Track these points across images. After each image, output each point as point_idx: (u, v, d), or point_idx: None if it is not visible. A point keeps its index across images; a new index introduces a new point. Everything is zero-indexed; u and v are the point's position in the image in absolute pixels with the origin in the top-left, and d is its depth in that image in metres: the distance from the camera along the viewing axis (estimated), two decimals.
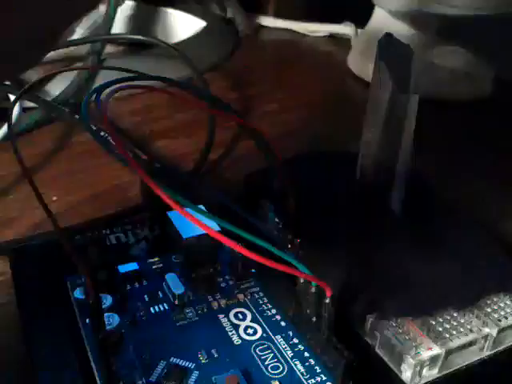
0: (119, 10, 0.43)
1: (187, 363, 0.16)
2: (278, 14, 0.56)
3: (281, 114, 0.37)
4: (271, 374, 0.16)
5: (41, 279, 0.19)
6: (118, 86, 0.16)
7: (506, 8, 0.39)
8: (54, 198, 0.26)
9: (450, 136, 0.35)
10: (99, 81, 0.36)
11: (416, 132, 0.22)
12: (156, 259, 0.20)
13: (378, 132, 0.22)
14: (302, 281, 0.17)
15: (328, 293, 0.15)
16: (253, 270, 0.20)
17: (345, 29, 0.51)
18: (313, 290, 0.16)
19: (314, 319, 0.16)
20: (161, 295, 0.19)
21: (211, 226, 0.18)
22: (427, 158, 0.31)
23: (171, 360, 0.16)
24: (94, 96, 0.15)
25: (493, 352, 0.18)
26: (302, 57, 0.49)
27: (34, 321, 0.18)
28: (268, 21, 0.55)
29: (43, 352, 0.17)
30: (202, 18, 0.50)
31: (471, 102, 0.39)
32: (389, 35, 0.22)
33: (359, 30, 0.49)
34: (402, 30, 0.44)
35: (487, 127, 0.36)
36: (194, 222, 0.14)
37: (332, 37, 0.52)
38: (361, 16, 0.49)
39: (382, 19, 0.45)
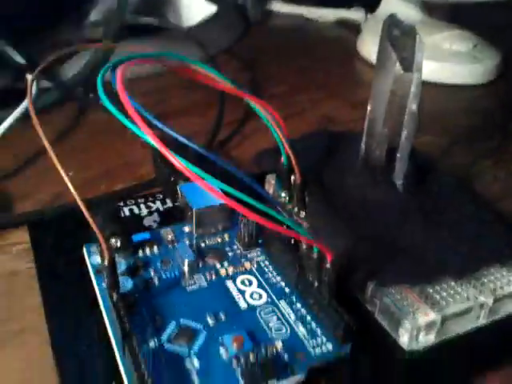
0: None
1: (196, 324, 0.17)
2: (289, 0, 0.56)
3: (290, 95, 0.38)
4: (275, 334, 0.17)
5: (59, 248, 0.21)
6: (132, 58, 0.17)
7: None
8: (70, 174, 0.27)
9: (456, 118, 0.36)
10: None
11: (421, 114, 0.22)
12: (168, 229, 0.21)
13: (382, 109, 0.22)
14: (304, 246, 0.18)
15: (329, 258, 0.16)
16: (259, 240, 0.21)
17: (354, 14, 0.52)
18: (314, 255, 0.17)
19: (316, 284, 0.17)
20: (172, 262, 0.19)
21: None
22: (432, 139, 0.32)
23: (181, 321, 0.17)
24: (109, 70, 0.16)
25: (489, 321, 0.19)
26: (311, 41, 0.50)
27: (52, 288, 0.19)
28: (278, 6, 0.55)
29: (61, 316, 0.18)
30: (214, 2, 0.50)
31: (478, 85, 0.39)
32: (393, 15, 0.22)
33: (369, 15, 0.50)
34: (410, 14, 0.44)
35: (492, 109, 0.37)
36: (209, 191, 0.15)
37: (342, 22, 0.53)
38: (371, 1, 0.49)
39: (391, 4, 0.46)
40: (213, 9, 0.49)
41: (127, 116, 0.15)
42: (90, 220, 0.15)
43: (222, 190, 0.15)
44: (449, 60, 0.39)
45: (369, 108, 0.23)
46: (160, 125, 0.18)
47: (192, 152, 0.19)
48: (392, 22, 0.22)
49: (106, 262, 0.16)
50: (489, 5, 0.42)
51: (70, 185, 0.15)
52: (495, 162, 0.30)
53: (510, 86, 0.40)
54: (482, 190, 0.27)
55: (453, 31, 0.41)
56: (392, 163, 0.23)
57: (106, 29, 0.38)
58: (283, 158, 0.22)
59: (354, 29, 0.49)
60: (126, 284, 0.18)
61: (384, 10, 0.47)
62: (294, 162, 0.21)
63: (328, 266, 0.16)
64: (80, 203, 0.15)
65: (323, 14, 0.54)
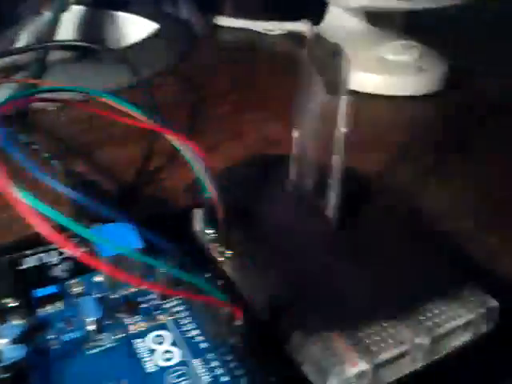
0: (67, 15, 0.42)
1: None
2: (235, 14, 0.55)
3: (232, 115, 0.36)
4: None
5: None
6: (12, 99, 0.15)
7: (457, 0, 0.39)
8: None
9: (400, 132, 0.34)
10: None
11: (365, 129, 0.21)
12: (76, 280, 0.19)
13: (310, 135, 0.21)
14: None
15: (238, 315, 0.14)
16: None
17: (301, 26, 0.51)
18: (225, 313, 0.15)
19: (232, 341, 0.15)
20: (76, 320, 0.17)
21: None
22: (376, 155, 0.31)
23: None
24: None
25: (427, 362, 0.17)
26: (259, 56, 0.48)
27: None
28: (225, 20, 0.54)
29: None
30: (155, 19, 0.48)
31: (424, 96, 0.38)
32: (316, 35, 0.21)
33: (314, 28, 0.49)
34: (355, 25, 0.44)
35: (437, 121, 0.36)
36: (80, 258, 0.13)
37: (290, 34, 0.52)
38: (316, 13, 0.48)
39: (336, 16, 0.45)
40: (155, 26, 0.48)
41: None
42: None
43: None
44: (393, 72, 0.38)
45: (296, 134, 0.21)
46: (54, 184, 0.16)
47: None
48: (316, 41, 0.21)
49: None
50: (436, 12, 0.41)
51: None
52: (439, 178, 0.29)
53: (456, 96, 0.39)
54: (426, 208, 0.26)
55: (397, 42, 0.40)
56: (325, 191, 0.21)
57: (36, 53, 0.36)
58: (205, 194, 0.20)
59: (302, 41, 0.48)
60: (15, 353, 0.16)
61: (328, 21, 0.46)
62: (215, 199, 0.20)
63: (238, 324, 0.14)
64: None
65: (271, 28, 0.53)
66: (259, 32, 0.52)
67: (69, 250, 0.13)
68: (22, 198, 0.12)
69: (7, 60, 0.38)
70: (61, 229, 0.14)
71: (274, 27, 0.52)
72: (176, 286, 0.15)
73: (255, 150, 0.31)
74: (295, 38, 0.50)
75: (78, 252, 0.13)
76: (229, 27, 0.54)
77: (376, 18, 0.45)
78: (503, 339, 0.18)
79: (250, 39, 0.52)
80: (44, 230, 0.12)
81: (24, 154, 0.15)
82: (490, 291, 0.19)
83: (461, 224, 0.25)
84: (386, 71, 0.39)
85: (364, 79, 0.39)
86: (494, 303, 0.18)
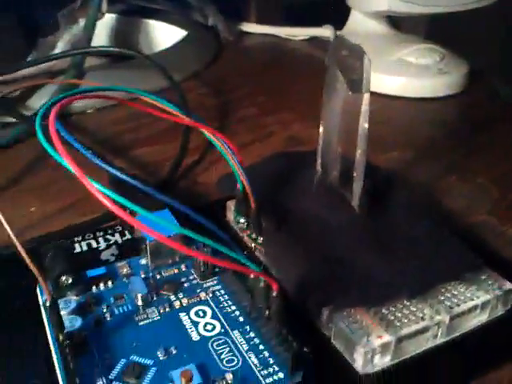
0: (101, 23, 0.44)
1: (146, 360, 0.17)
2: (260, 20, 0.57)
3: (259, 117, 0.38)
4: (226, 366, 0.17)
5: (15, 287, 0.20)
6: (67, 99, 0.17)
7: (476, 4, 0.40)
8: (32, 209, 0.27)
9: (422, 132, 0.36)
10: None
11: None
12: (123, 263, 0.21)
13: (334, 130, 0.22)
14: (252, 277, 0.17)
15: (275, 287, 0.16)
16: (216, 269, 0.20)
17: (324, 31, 0.52)
18: (261, 285, 0.17)
19: (267, 313, 0.17)
20: (126, 297, 0.19)
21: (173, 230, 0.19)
22: (398, 154, 0.32)
23: (131, 358, 0.17)
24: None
25: (447, 339, 0.19)
26: (283, 60, 0.50)
27: (6, 327, 0.19)
28: (250, 27, 0.56)
29: (14, 355, 0.17)
30: (184, 27, 0.51)
31: (445, 97, 0.40)
32: (340, 37, 0.22)
33: (338, 32, 0.50)
34: (377, 29, 0.45)
35: (457, 121, 0.37)
36: (142, 229, 0.15)
37: (313, 39, 0.53)
38: (339, 18, 0.50)
39: (358, 20, 0.46)
40: (183, 33, 0.50)
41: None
42: (27, 260, 0.15)
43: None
44: (415, 74, 0.40)
45: (321, 129, 0.23)
46: (101, 163, 0.18)
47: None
48: (339, 43, 0.22)
49: (47, 303, 0.16)
50: (458, 15, 0.42)
51: (6, 226, 0.15)
52: (460, 176, 0.30)
53: (476, 97, 0.40)
54: (449, 205, 0.27)
55: (418, 45, 0.41)
56: (349, 182, 0.23)
57: (72, 59, 0.39)
58: (239, 186, 0.22)
59: (325, 46, 0.50)
60: (75, 323, 0.18)
61: (351, 26, 0.47)
62: (247, 189, 0.21)
63: (274, 294, 0.16)
64: (17, 245, 0.15)
65: (294, 33, 0.54)
66: (283, 37, 0.54)
67: (135, 225, 0.15)
68: (95, 186, 0.14)
69: (46, 66, 0.40)
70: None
71: (298, 33, 0.54)
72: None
73: (282, 148, 0.33)
74: (318, 42, 0.52)
75: (144, 227, 0.14)
76: (254, 33, 0.56)
77: (398, 22, 0.47)
78: None
79: (275, 44, 0.53)
80: (116, 210, 0.14)
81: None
82: (507, 276, 0.20)
83: (480, 217, 0.26)
84: (407, 74, 0.40)
85: (386, 82, 0.40)
86: (510, 286, 0.20)
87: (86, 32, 0.41)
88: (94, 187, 0.14)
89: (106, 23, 0.48)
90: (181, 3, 0.54)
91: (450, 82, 0.40)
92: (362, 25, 0.46)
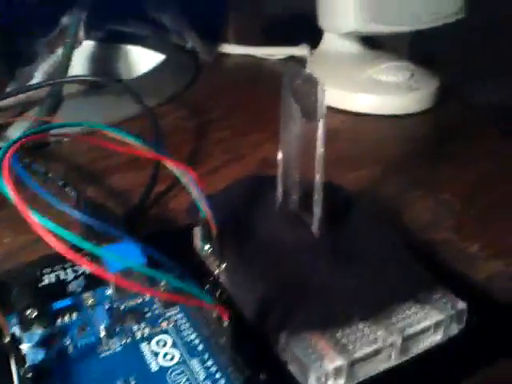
0: (79, 50, 0.45)
1: None
2: (238, 41, 0.58)
3: (233, 139, 0.39)
4: None
5: None
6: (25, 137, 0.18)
7: (442, 20, 0.41)
8: (5, 240, 0.28)
9: (391, 149, 0.37)
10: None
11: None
12: (89, 294, 0.21)
13: (292, 156, 0.23)
14: (206, 308, 0.18)
15: (225, 317, 0.17)
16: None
17: (300, 50, 0.53)
18: (214, 315, 0.17)
19: (222, 341, 0.18)
20: (89, 328, 0.20)
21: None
22: (366, 172, 0.33)
23: None
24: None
25: (400, 360, 0.19)
26: (261, 80, 0.51)
27: None
28: (228, 48, 0.57)
29: None
30: (162, 51, 0.52)
31: (416, 114, 0.41)
32: (292, 67, 0.23)
33: (313, 51, 0.51)
34: (349, 48, 0.46)
35: (426, 137, 0.38)
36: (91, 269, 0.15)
37: (290, 58, 0.54)
38: (314, 38, 0.51)
39: (331, 40, 0.47)
40: (161, 57, 0.51)
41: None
42: None
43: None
44: (385, 92, 0.41)
45: (279, 155, 0.24)
46: (66, 208, 0.18)
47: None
48: (293, 72, 0.23)
49: (6, 338, 0.16)
50: (428, 33, 0.43)
51: None
52: (425, 191, 0.31)
53: (447, 112, 0.41)
54: (412, 220, 0.28)
55: (389, 63, 0.42)
56: (309, 206, 0.23)
57: (50, 88, 0.39)
58: (201, 213, 0.23)
59: (302, 65, 0.51)
60: (38, 355, 0.18)
61: (325, 45, 0.48)
62: (208, 216, 0.22)
63: (225, 324, 0.17)
64: None
65: (272, 53, 0.55)
66: (261, 57, 0.55)
67: (84, 266, 0.15)
68: (39, 221, 0.15)
69: (24, 96, 0.41)
70: (73, 248, 0.16)
71: (275, 52, 0.55)
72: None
73: (254, 170, 0.34)
74: (295, 62, 0.53)
75: (91, 267, 0.15)
76: (232, 54, 0.57)
77: (370, 41, 0.48)
78: (472, 341, 0.20)
79: (252, 64, 0.54)
80: (61, 248, 0.15)
81: (37, 182, 0.18)
82: (463, 296, 0.21)
83: (443, 234, 0.27)
84: (378, 91, 0.41)
85: (357, 100, 0.41)
86: (462, 305, 0.20)
87: (64, 61, 0.42)
88: (38, 224, 0.15)
89: (84, 50, 0.49)
90: (159, 27, 0.55)
91: (421, 98, 0.41)
92: (334, 44, 0.47)
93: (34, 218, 0.15)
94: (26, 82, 0.43)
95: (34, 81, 0.42)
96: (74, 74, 0.42)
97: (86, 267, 0.15)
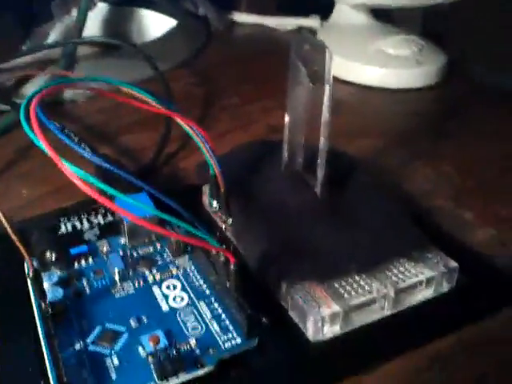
0: (93, 13, 0.46)
1: (119, 327, 0.19)
2: (250, 10, 0.58)
3: (241, 106, 0.40)
4: (190, 333, 0.19)
5: (3, 264, 0.22)
6: (49, 89, 0.19)
7: None
8: (24, 192, 0.29)
9: (396, 121, 0.37)
10: None
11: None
12: (104, 241, 0.23)
13: (298, 120, 0.24)
14: (214, 252, 0.19)
15: (232, 260, 0.18)
16: (188, 248, 0.22)
17: (311, 21, 0.54)
18: (221, 259, 0.19)
19: (228, 284, 0.19)
20: (105, 272, 0.21)
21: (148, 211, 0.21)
22: (370, 142, 0.34)
23: (106, 325, 0.19)
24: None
25: (394, 311, 0.21)
26: (271, 49, 0.51)
27: None
28: (240, 16, 0.57)
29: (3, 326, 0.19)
30: (174, 16, 0.52)
31: (422, 88, 0.41)
32: (302, 32, 0.24)
33: (324, 22, 0.52)
34: (359, 20, 0.47)
35: (432, 112, 0.39)
36: (117, 211, 0.17)
37: (301, 29, 0.55)
38: (325, 9, 0.51)
39: (342, 12, 0.48)
40: (173, 22, 0.51)
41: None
42: (13, 236, 0.17)
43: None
44: (392, 65, 0.41)
45: (286, 119, 0.25)
46: (85, 153, 0.19)
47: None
48: (302, 38, 0.24)
49: (30, 274, 0.18)
50: (439, 10, 0.44)
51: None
52: (426, 162, 0.32)
53: (453, 88, 0.42)
54: (411, 188, 0.29)
55: (397, 36, 0.43)
56: (313, 169, 0.25)
57: (64, 49, 0.40)
58: (211, 171, 0.24)
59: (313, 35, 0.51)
60: (57, 294, 0.20)
61: (336, 17, 0.49)
62: (218, 175, 0.23)
63: (232, 267, 0.18)
64: (5, 224, 0.17)
65: (283, 23, 0.56)
66: (272, 27, 0.56)
67: (113, 209, 0.16)
68: (71, 170, 0.16)
69: (40, 54, 0.42)
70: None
71: (286, 23, 0.56)
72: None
73: (261, 136, 0.35)
74: (306, 32, 0.53)
75: (117, 208, 0.16)
76: (244, 23, 0.57)
77: (378, 13, 0.48)
78: (461, 299, 0.21)
79: (263, 34, 0.55)
80: (93, 193, 0.16)
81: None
82: (456, 258, 0.22)
83: (440, 202, 0.28)
84: (386, 64, 0.41)
85: (365, 72, 0.42)
86: (453, 264, 0.22)
87: (78, 22, 0.43)
88: (70, 171, 0.16)
89: (98, 13, 0.50)
90: None
91: (428, 72, 0.42)
92: (345, 16, 0.47)
93: (67, 167, 0.16)
94: (41, 41, 0.44)
95: (49, 40, 0.43)
96: (87, 35, 0.43)
97: (115, 211, 0.16)
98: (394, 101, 0.40)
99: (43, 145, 0.16)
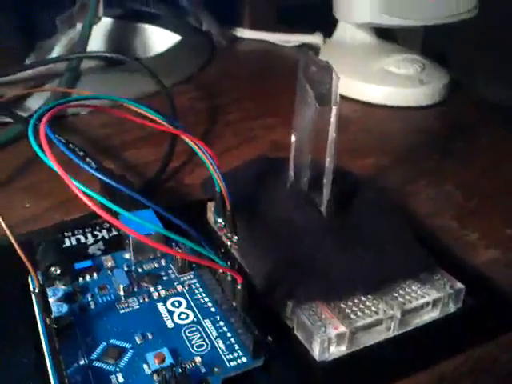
0: (98, 27, 0.46)
1: (125, 344, 0.19)
2: (253, 26, 0.59)
3: (245, 122, 0.40)
4: (195, 350, 0.19)
5: (7, 276, 0.22)
6: (60, 107, 0.19)
7: (455, 17, 0.42)
8: (27, 205, 0.29)
9: (400, 139, 0.38)
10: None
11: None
12: (109, 256, 0.23)
13: (305, 140, 0.24)
14: (220, 272, 0.19)
15: (239, 280, 0.18)
16: (193, 265, 0.22)
17: (314, 38, 0.54)
18: (228, 278, 0.19)
19: (234, 304, 0.19)
20: (109, 287, 0.21)
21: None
22: (374, 160, 0.34)
23: (111, 341, 0.19)
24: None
25: (400, 332, 0.21)
26: (273, 66, 0.52)
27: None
28: (243, 32, 0.58)
29: (6, 336, 0.19)
30: (178, 32, 0.52)
31: (425, 107, 0.42)
32: (308, 53, 0.24)
33: (326, 39, 0.52)
34: (363, 39, 0.47)
35: (435, 130, 0.39)
36: (120, 228, 0.17)
37: (304, 46, 0.55)
38: (328, 27, 0.52)
39: (345, 30, 0.48)
40: (177, 38, 0.52)
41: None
42: (19, 251, 0.17)
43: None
44: (396, 84, 0.42)
45: (293, 138, 0.25)
46: (90, 169, 0.19)
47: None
48: (308, 59, 0.24)
49: (36, 290, 0.18)
50: (441, 29, 0.44)
51: (1, 221, 0.17)
52: (430, 180, 0.32)
53: (455, 107, 0.42)
54: (415, 207, 0.29)
55: (400, 55, 0.43)
56: (319, 188, 0.25)
57: (68, 63, 0.40)
58: (217, 188, 0.24)
59: (315, 53, 0.52)
60: (62, 309, 0.19)
61: (339, 34, 0.49)
62: (224, 192, 0.23)
63: (239, 287, 0.18)
64: (11, 238, 0.17)
65: (286, 39, 0.56)
66: (275, 43, 0.56)
67: (117, 226, 0.16)
68: (78, 186, 0.16)
69: (44, 68, 0.42)
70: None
71: (289, 39, 0.56)
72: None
73: (265, 152, 0.35)
74: (308, 49, 0.54)
75: (123, 226, 0.16)
76: (247, 38, 0.57)
77: (384, 33, 0.49)
78: (467, 320, 0.21)
79: (266, 50, 0.55)
80: (98, 210, 0.16)
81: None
82: (461, 279, 0.22)
83: (444, 222, 0.28)
84: (389, 83, 0.42)
85: (369, 90, 0.42)
86: (460, 286, 0.22)
87: (83, 36, 0.43)
88: (76, 187, 0.16)
89: (103, 27, 0.50)
90: (176, 8, 0.56)
91: (430, 92, 0.42)
92: (348, 34, 0.48)
93: (75, 184, 0.16)
94: (45, 55, 0.44)
95: (54, 54, 0.43)
96: (91, 49, 0.43)
97: (119, 227, 0.16)
98: (397, 119, 0.40)
99: (52, 162, 0.16)
